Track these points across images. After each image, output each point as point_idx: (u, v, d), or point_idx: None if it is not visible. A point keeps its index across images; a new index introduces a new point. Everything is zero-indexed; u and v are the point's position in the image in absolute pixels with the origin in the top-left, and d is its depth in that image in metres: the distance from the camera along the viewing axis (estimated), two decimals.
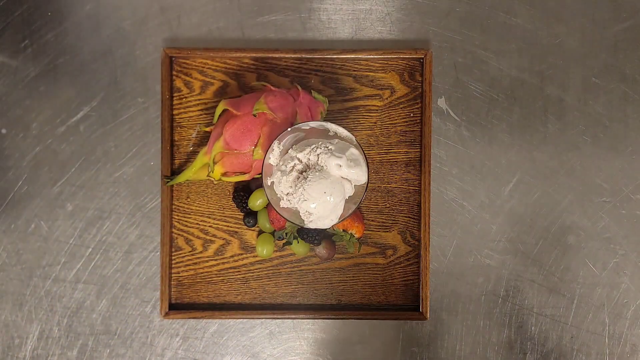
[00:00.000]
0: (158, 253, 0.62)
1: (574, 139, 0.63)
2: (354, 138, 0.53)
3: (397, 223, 0.62)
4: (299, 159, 0.52)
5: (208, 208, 0.62)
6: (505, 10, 0.63)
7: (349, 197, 0.53)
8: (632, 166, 0.63)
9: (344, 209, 0.53)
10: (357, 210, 0.55)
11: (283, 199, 0.52)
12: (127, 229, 0.62)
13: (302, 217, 0.53)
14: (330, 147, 0.52)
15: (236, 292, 0.62)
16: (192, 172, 0.59)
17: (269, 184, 0.53)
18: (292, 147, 0.53)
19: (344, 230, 0.60)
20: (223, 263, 0.62)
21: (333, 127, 0.53)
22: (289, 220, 0.53)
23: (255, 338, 0.62)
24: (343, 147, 0.52)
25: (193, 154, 0.62)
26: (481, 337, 0.63)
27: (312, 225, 0.52)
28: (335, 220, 0.53)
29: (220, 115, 0.58)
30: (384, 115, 0.62)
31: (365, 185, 0.53)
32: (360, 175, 0.52)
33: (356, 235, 0.60)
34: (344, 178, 0.52)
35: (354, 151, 0.52)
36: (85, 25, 0.62)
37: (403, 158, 0.62)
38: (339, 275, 0.62)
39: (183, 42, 0.62)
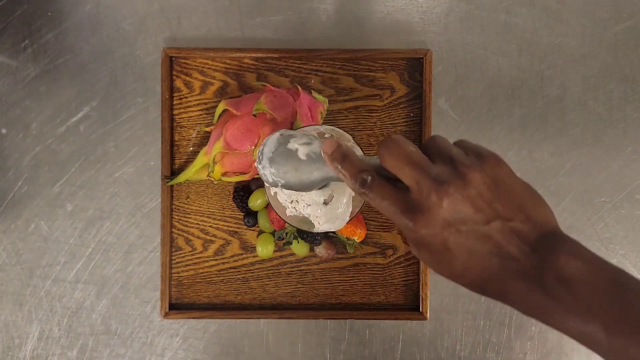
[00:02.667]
0: (158, 253, 0.62)
1: (574, 139, 0.63)
2: (350, 137, 0.52)
3: None
4: None
5: (208, 208, 0.62)
6: (505, 10, 0.63)
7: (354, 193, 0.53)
8: (632, 166, 0.63)
9: (352, 207, 0.52)
10: (359, 213, 0.54)
11: (289, 208, 0.52)
12: (127, 229, 0.62)
13: (312, 222, 0.52)
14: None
15: (236, 292, 0.62)
16: (192, 172, 0.59)
17: (272, 194, 0.52)
18: None
19: (347, 237, 0.60)
20: (223, 263, 0.62)
21: (329, 129, 0.53)
22: (298, 228, 0.53)
23: (255, 338, 0.62)
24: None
25: (193, 154, 0.62)
26: (481, 337, 0.63)
27: (324, 229, 0.52)
28: (346, 220, 0.52)
29: (220, 115, 0.58)
30: (384, 115, 0.62)
31: None
32: None
33: (358, 241, 0.60)
34: None
35: (351, 145, 0.52)
36: (85, 25, 0.62)
37: None
38: (339, 275, 0.62)
39: (183, 42, 0.63)
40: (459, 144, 0.37)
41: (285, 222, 0.53)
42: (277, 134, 0.44)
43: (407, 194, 0.34)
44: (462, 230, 0.33)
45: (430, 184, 0.33)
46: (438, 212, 0.33)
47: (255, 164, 0.45)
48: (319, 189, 0.50)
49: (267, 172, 0.44)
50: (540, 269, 0.31)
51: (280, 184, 0.43)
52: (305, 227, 0.53)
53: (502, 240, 0.33)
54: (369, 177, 0.36)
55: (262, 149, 0.44)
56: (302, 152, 0.42)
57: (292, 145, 0.43)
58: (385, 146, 0.35)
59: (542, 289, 0.31)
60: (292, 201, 0.51)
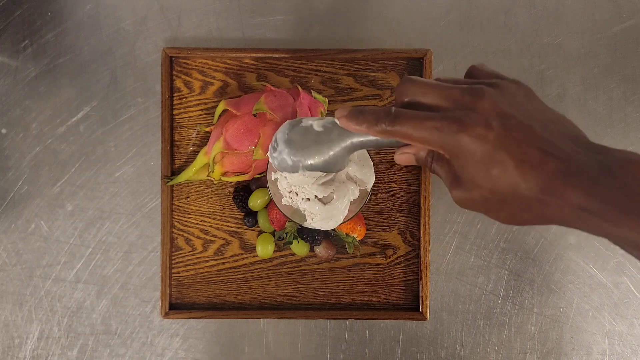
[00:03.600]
0: (158, 253, 0.62)
1: None
2: None
3: (397, 223, 0.62)
4: None
5: (208, 208, 0.62)
6: (505, 11, 0.63)
7: (353, 199, 0.53)
8: None
9: (348, 211, 0.53)
10: (359, 212, 0.55)
11: (286, 196, 0.52)
12: (127, 229, 0.62)
13: (305, 217, 0.53)
14: None
15: (236, 292, 0.62)
16: (192, 172, 0.59)
17: (273, 179, 0.53)
18: None
19: (346, 234, 0.60)
20: (223, 263, 0.62)
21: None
22: (289, 218, 0.53)
23: (255, 338, 0.62)
24: None
25: (193, 154, 0.62)
26: (481, 337, 0.63)
27: (315, 226, 0.52)
28: (340, 222, 0.52)
29: (220, 115, 0.59)
30: None
31: (370, 189, 0.53)
32: (368, 176, 0.52)
33: (358, 238, 0.60)
34: (349, 179, 0.52)
35: (363, 152, 0.52)
36: (85, 25, 0.62)
37: None
38: (339, 275, 0.62)
39: (183, 42, 0.63)
40: (478, 71, 0.36)
41: (278, 209, 0.53)
42: (286, 123, 0.43)
43: (442, 112, 0.33)
44: (508, 125, 0.31)
45: (463, 92, 0.32)
46: (481, 111, 0.31)
47: (269, 155, 0.43)
48: (322, 184, 0.50)
49: (285, 156, 0.41)
50: (604, 170, 0.29)
51: (301, 165, 0.41)
52: (296, 219, 0.53)
53: (551, 137, 0.31)
54: (392, 108, 0.34)
55: (275, 138, 0.42)
56: (318, 124, 0.41)
57: (306, 122, 0.41)
58: (402, 83, 0.35)
59: (616, 191, 0.29)
60: (290, 191, 0.51)
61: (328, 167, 0.41)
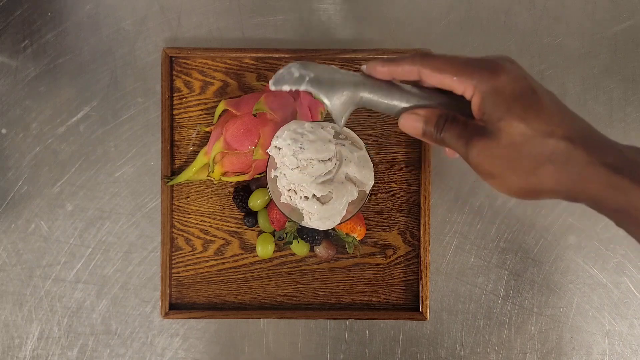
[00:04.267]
0: (158, 253, 0.62)
1: None
2: (363, 144, 0.53)
3: (397, 223, 0.62)
4: None
5: (208, 208, 0.62)
6: (505, 11, 0.63)
7: (351, 199, 0.53)
8: None
9: (345, 212, 0.53)
10: (359, 212, 0.55)
11: (284, 194, 0.52)
12: (127, 229, 0.62)
13: (303, 215, 0.53)
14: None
15: (236, 292, 0.62)
16: (192, 172, 0.59)
17: (272, 176, 0.53)
18: None
19: (346, 234, 0.60)
20: (223, 263, 0.62)
21: (346, 130, 0.54)
22: (287, 217, 0.53)
23: (255, 338, 0.62)
24: (353, 148, 0.52)
25: (193, 154, 0.62)
26: (481, 337, 0.63)
27: (312, 225, 0.52)
28: (337, 222, 0.52)
29: (220, 115, 0.59)
30: (384, 115, 0.62)
31: (369, 190, 0.53)
32: (368, 177, 0.52)
33: (358, 238, 0.60)
34: (348, 180, 0.52)
35: (363, 153, 0.52)
36: (85, 25, 0.62)
37: (403, 158, 0.62)
38: (339, 275, 0.62)
39: (183, 42, 0.63)
40: None
41: (277, 207, 0.53)
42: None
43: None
44: (537, 83, 0.32)
45: (487, 56, 0.34)
46: (506, 67, 0.32)
47: (272, 78, 0.41)
48: (321, 182, 0.50)
49: (293, 69, 0.41)
50: (627, 147, 0.32)
51: (308, 79, 0.40)
52: (294, 218, 0.53)
53: (561, 104, 0.33)
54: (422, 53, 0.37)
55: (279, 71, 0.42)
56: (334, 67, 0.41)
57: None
58: (419, 56, 0.37)
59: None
60: (289, 189, 0.51)
61: (331, 94, 0.40)
